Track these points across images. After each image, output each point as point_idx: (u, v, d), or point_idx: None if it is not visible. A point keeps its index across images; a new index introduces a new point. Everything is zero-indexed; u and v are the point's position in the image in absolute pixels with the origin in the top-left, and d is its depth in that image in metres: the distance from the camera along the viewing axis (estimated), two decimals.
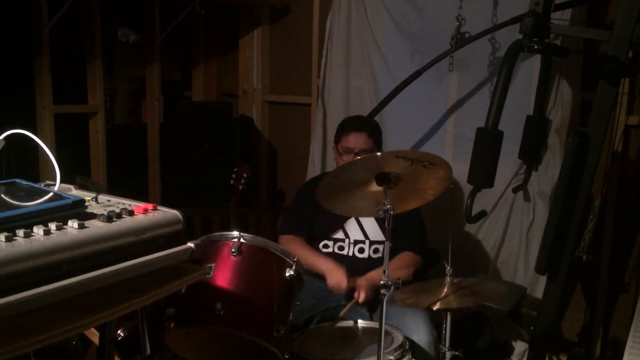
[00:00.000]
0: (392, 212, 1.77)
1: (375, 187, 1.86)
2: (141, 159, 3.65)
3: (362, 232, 2.57)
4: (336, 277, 2.34)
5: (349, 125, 2.66)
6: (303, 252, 2.45)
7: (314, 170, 3.46)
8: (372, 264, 2.49)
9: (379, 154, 1.80)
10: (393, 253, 2.51)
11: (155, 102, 3.62)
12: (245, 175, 2.72)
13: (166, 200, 3.58)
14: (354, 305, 2.28)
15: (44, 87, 2.94)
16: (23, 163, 2.60)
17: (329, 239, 2.58)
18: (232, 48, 3.97)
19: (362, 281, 2.33)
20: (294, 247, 2.47)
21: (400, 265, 2.44)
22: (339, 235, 2.58)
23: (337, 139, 2.65)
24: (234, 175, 2.72)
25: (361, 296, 2.28)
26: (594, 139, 2.17)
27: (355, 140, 2.55)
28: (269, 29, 3.84)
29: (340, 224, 2.57)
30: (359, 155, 2.47)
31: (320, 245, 2.59)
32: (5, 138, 1.35)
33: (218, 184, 3.23)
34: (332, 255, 2.53)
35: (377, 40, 3.24)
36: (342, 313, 2.24)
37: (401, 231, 2.52)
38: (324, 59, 3.42)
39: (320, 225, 2.59)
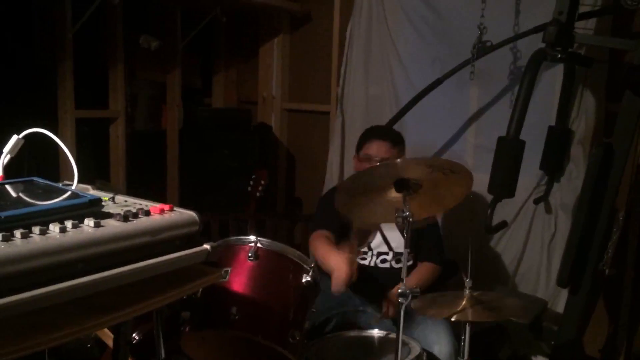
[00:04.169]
0: (411, 219, 1.74)
1: (394, 194, 1.83)
2: (160, 164, 3.67)
3: (385, 245, 2.54)
4: (336, 280, 2.05)
5: (372, 133, 2.59)
6: (321, 249, 2.32)
7: (331, 178, 3.44)
8: (394, 273, 2.45)
9: (398, 160, 1.78)
10: (414, 264, 2.48)
11: (175, 108, 3.64)
12: (262, 182, 2.70)
13: (184, 206, 3.58)
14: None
15: (66, 91, 2.97)
16: (44, 165, 2.62)
17: None
18: (253, 55, 3.99)
19: (392, 298, 2.25)
20: (318, 243, 2.35)
21: (420, 277, 2.41)
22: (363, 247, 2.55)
23: (359, 147, 2.58)
24: (251, 182, 2.71)
25: (391, 312, 2.26)
26: (619, 150, 2.13)
27: (378, 148, 2.48)
28: (289, 37, 3.85)
29: None
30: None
31: None
32: (27, 141, 1.37)
33: (236, 190, 3.21)
34: None
35: (398, 48, 3.23)
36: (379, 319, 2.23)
37: (423, 242, 2.49)
38: (343, 67, 3.41)
39: (342, 236, 2.55)
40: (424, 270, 2.46)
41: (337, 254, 2.24)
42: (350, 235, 2.43)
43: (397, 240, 2.53)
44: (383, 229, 2.54)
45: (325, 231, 2.47)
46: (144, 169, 3.63)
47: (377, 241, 2.54)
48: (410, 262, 2.42)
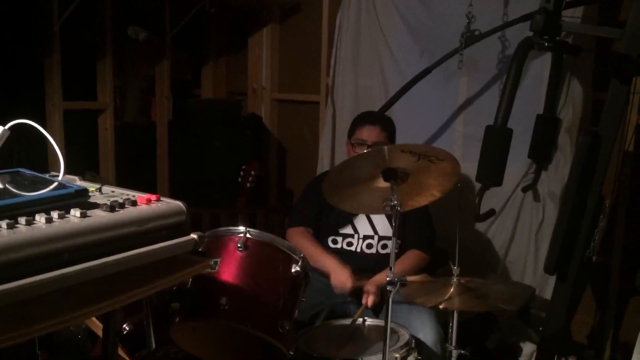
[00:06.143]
0: (399, 208, 1.75)
1: (382, 183, 1.84)
2: (150, 156, 3.66)
3: (371, 228, 2.56)
4: (340, 278, 2.32)
5: (363, 118, 2.67)
6: (310, 248, 2.43)
7: (322, 168, 3.45)
8: (380, 259, 2.48)
9: (385, 147, 1.78)
10: (402, 249, 2.50)
11: (164, 100, 3.63)
12: (253, 173, 2.71)
13: (174, 199, 3.57)
14: (364, 310, 2.26)
15: (54, 83, 2.95)
16: (32, 157, 2.61)
17: (338, 235, 2.56)
18: (242, 47, 3.98)
19: (370, 287, 2.30)
20: (302, 242, 2.46)
21: (406, 264, 2.42)
22: (348, 230, 2.56)
23: (351, 132, 2.64)
24: (242, 174, 2.72)
25: (370, 301, 2.26)
26: (605, 139, 2.15)
27: (369, 133, 2.54)
28: (278, 28, 3.84)
29: (349, 219, 2.55)
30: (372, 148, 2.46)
31: (329, 240, 2.57)
32: (15, 133, 1.36)
33: (227, 182, 3.22)
34: (340, 251, 2.52)
35: (387, 38, 3.23)
36: (354, 319, 2.21)
37: (410, 228, 2.50)
38: (333, 58, 3.41)
39: (329, 220, 2.57)
40: (411, 259, 2.48)
41: (329, 256, 2.40)
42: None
43: (383, 224, 2.55)
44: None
45: (303, 228, 2.56)
46: (134, 161, 3.61)
47: (363, 224, 2.56)
48: (396, 251, 2.44)
